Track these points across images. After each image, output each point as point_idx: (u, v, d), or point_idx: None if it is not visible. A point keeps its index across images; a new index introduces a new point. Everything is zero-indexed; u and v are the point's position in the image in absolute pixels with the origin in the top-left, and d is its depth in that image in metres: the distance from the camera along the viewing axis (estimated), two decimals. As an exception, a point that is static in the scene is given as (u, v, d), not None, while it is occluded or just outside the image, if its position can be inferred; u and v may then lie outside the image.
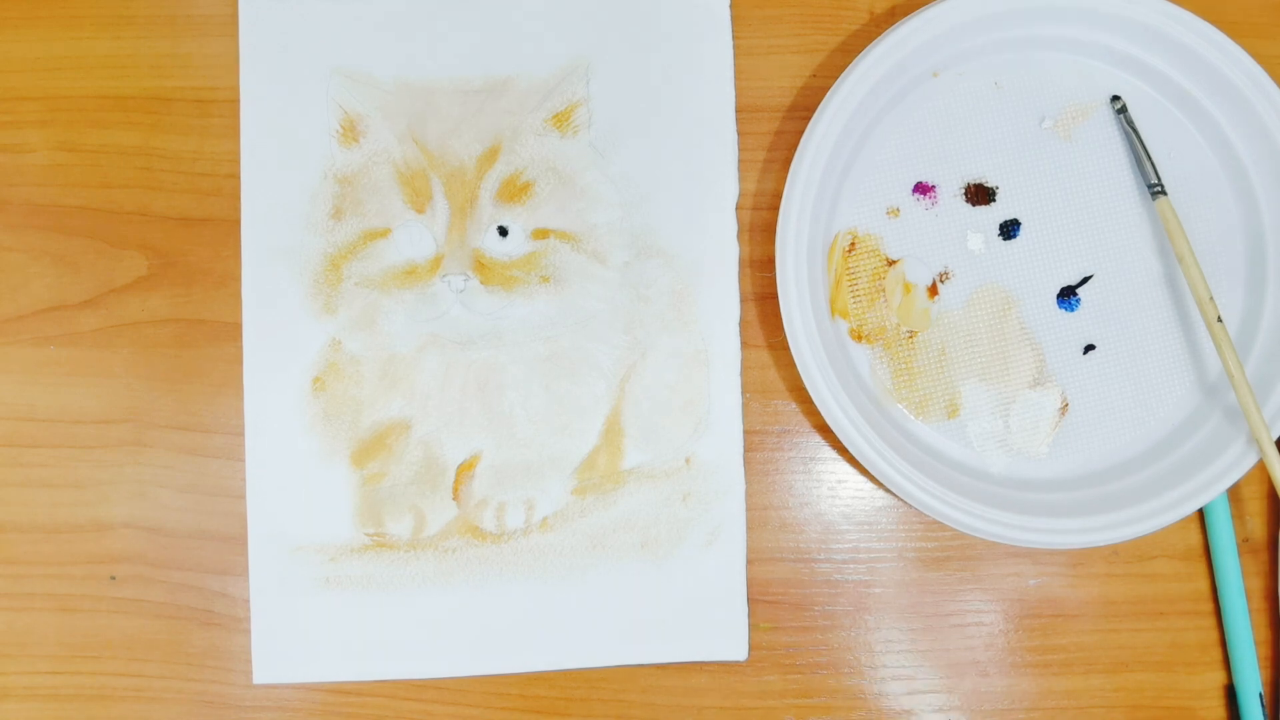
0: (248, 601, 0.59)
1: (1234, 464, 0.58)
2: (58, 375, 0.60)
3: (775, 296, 0.58)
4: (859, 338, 0.60)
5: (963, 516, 0.57)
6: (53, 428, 0.60)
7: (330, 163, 0.60)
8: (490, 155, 0.60)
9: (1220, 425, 0.60)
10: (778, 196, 0.61)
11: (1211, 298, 0.58)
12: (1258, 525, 0.62)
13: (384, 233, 0.60)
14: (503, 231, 0.60)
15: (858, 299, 0.61)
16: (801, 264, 0.58)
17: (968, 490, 0.58)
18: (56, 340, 0.60)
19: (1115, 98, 0.61)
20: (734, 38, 0.62)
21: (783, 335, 0.58)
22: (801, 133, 0.60)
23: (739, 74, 0.62)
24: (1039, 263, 0.61)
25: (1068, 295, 0.61)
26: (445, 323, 0.60)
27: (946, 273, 0.61)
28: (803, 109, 0.62)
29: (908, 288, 0.61)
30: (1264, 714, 0.59)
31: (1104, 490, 0.60)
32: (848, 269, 0.61)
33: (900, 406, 0.61)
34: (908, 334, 0.61)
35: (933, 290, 0.61)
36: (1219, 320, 0.58)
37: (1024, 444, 0.61)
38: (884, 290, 0.61)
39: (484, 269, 0.60)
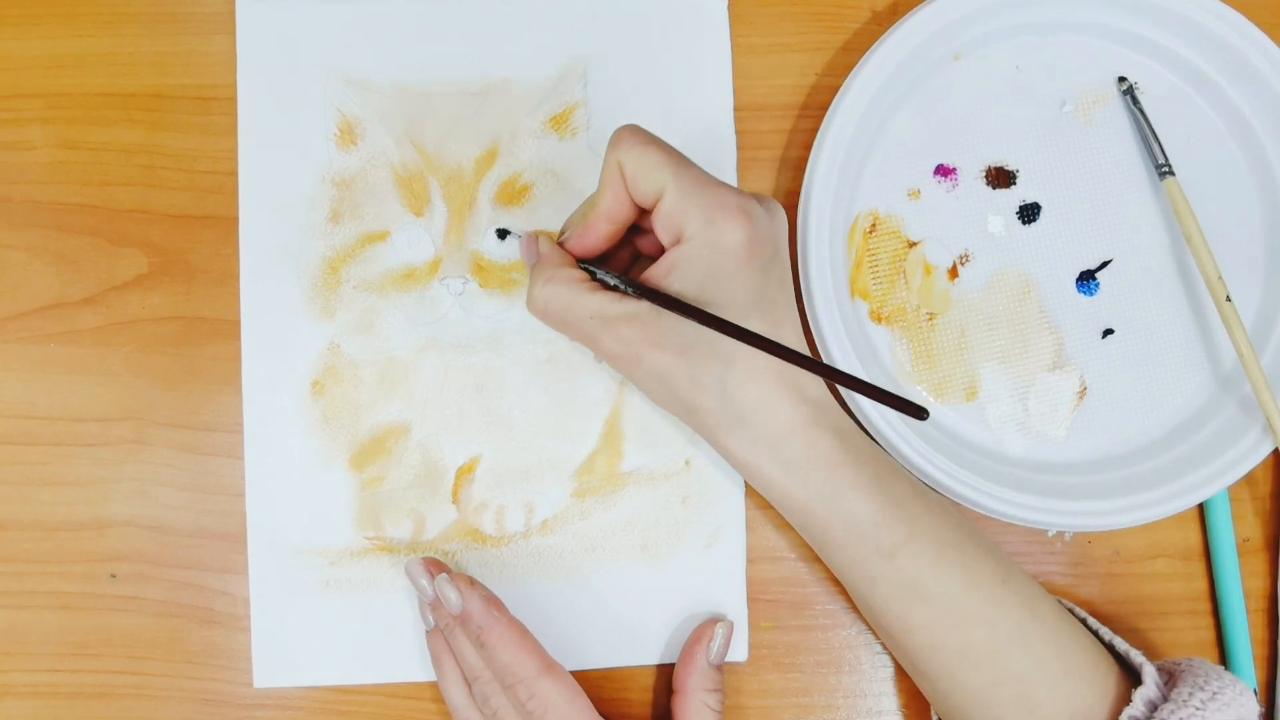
0: (248, 600, 0.59)
1: (1248, 453, 0.58)
2: (58, 373, 0.60)
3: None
4: (879, 319, 0.61)
5: (980, 498, 0.58)
6: (53, 425, 0.60)
7: (328, 166, 0.60)
8: (488, 158, 0.60)
9: (1235, 414, 0.60)
10: (785, 194, 0.61)
11: (1220, 277, 0.58)
12: (1257, 526, 0.62)
13: (382, 236, 0.60)
14: (501, 234, 0.60)
15: (878, 280, 0.61)
16: (823, 245, 0.58)
17: (985, 472, 0.58)
18: (57, 338, 0.60)
19: (1122, 78, 0.61)
20: (734, 36, 0.62)
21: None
22: (805, 131, 0.60)
23: (740, 73, 0.62)
24: (1058, 246, 0.61)
25: (1087, 279, 0.61)
26: (444, 326, 0.60)
27: (967, 255, 0.61)
28: (805, 107, 0.62)
29: (928, 269, 0.61)
30: (1259, 709, 0.59)
31: (1121, 474, 0.60)
32: (868, 250, 0.61)
33: (919, 388, 0.61)
34: (927, 316, 0.61)
35: (953, 272, 0.61)
36: (1228, 299, 0.58)
37: (1042, 427, 0.61)
38: (904, 272, 0.61)
39: (483, 271, 0.60)
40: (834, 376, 0.47)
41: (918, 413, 0.45)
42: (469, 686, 0.56)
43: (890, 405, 0.46)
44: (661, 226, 0.52)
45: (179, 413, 0.60)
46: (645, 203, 0.52)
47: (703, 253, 0.51)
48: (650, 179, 0.51)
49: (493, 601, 0.55)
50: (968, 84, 0.61)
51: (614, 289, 0.52)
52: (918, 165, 0.61)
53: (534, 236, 0.56)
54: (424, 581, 0.56)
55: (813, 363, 0.47)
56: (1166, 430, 0.61)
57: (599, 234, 0.54)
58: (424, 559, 0.57)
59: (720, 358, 0.51)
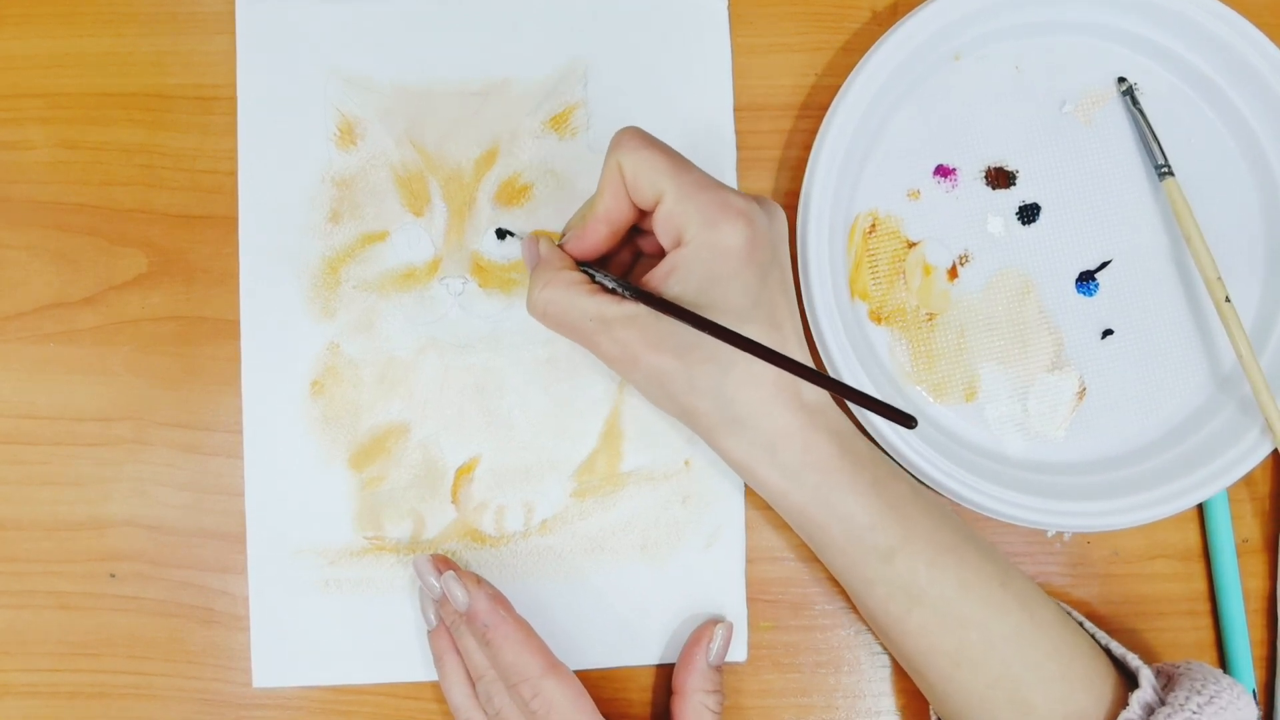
0: (248, 600, 0.59)
1: (1247, 454, 0.58)
2: (58, 372, 0.60)
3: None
4: (878, 320, 0.61)
5: (979, 498, 0.58)
6: (53, 425, 0.60)
7: (328, 166, 0.60)
8: (488, 158, 0.60)
9: (1234, 415, 0.60)
10: (785, 194, 0.61)
11: (1219, 277, 0.58)
12: (1256, 526, 0.62)
13: (382, 236, 0.60)
14: (501, 234, 0.60)
15: (878, 281, 0.61)
16: (823, 245, 0.58)
17: (984, 472, 0.58)
18: (57, 337, 0.60)
19: (1121, 79, 0.61)
20: (734, 36, 0.62)
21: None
22: (805, 131, 0.60)
23: (740, 73, 0.62)
24: (1058, 247, 0.61)
25: (1086, 280, 0.61)
26: (444, 326, 0.60)
27: (966, 255, 0.61)
28: (805, 107, 0.62)
29: (928, 270, 0.61)
30: (1258, 713, 0.59)
31: (1120, 475, 0.60)
32: (868, 250, 0.61)
33: (919, 388, 0.61)
34: (927, 316, 0.61)
35: (952, 273, 0.61)
36: (1227, 300, 0.58)
37: (1041, 427, 0.61)
38: (904, 272, 0.61)
39: (482, 271, 0.60)
40: (824, 383, 0.47)
41: (906, 421, 0.45)
42: (471, 686, 0.56)
43: (879, 413, 0.46)
44: (661, 229, 0.52)
45: (179, 412, 0.60)
46: (645, 205, 0.52)
47: (702, 255, 0.51)
48: (650, 182, 0.51)
49: (499, 600, 0.55)
50: (968, 84, 0.61)
51: (612, 291, 0.52)
52: (917, 165, 0.61)
53: (534, 238, 0.56)
54: (431, 578, 0.56)
55: (802, 368, 0.47)
56: (1165, 431, 0.61)
57: (598, 236, 0.54)
58: (432, 556, 0.57)
59: (718, 361, 0.51)
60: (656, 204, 0.52)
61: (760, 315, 0.51)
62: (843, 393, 0.47)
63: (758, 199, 0.53)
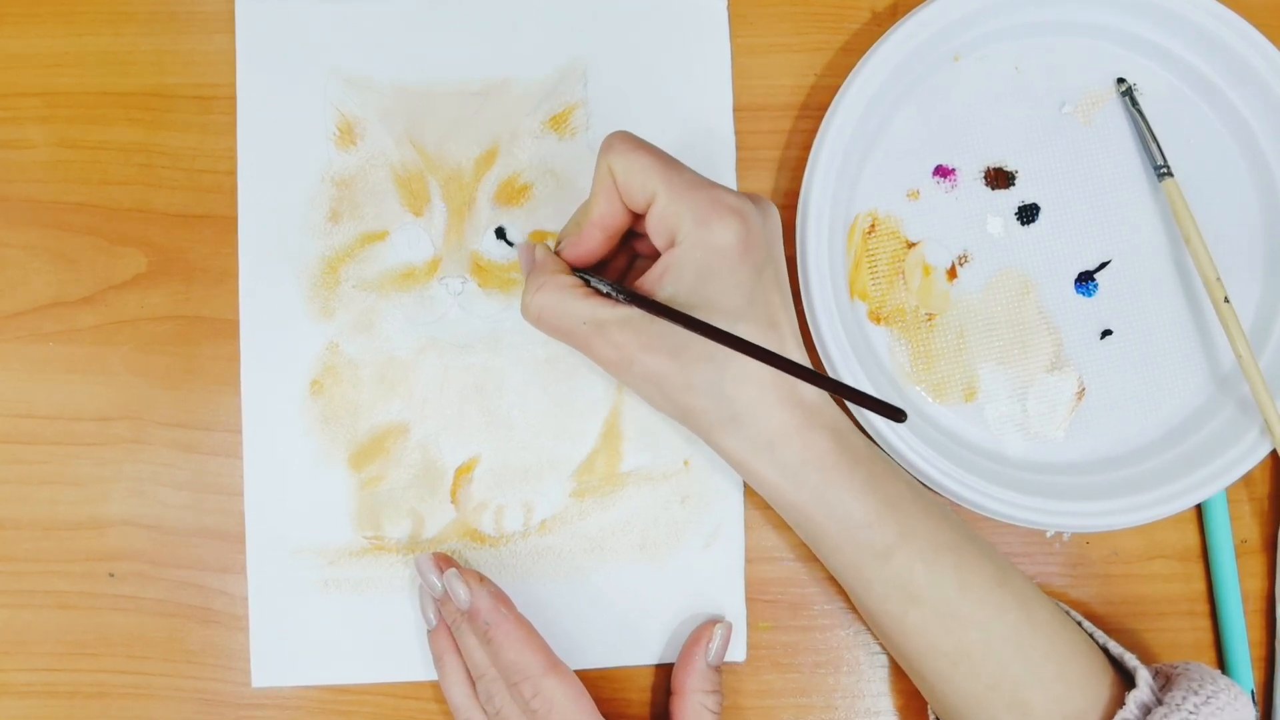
0: (247, 599, 0.59)
1: (1246, 454, 0.58)
2: (57, 372, 0.60)
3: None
4: (878, 320, 0.61)
5: (979, 498, 0.58)
6: (52, 425, 0.60)
7: (328, 166, 0.60)
8: (488, 158, 0.60)
9: (1233, 415, 0.60)
10: (784, 195, 0.61)
11: (1219, 278, 0.58)
12: (1255, 527, 0.62)
13: (381, 235, 0.60)
14: (500, 233, 0.60)
15: (877, 281, 0.61)
16: (822, 245, 0.58)
17: (984, 472, 0.58)
18: (55, 337, 0.60)
19: (1121, 79, 0.61)
20: (734, 36, 0.62)
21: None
22: (805, 132, 0.60)
23: (739, 73, 0.62)
24: (1057, 247, 0.61)
25: (1085, 280, 0.61)
26: (443, 326, 0.60)
27: (966, 256, 0.61)
28: (805, 108, 0.62)
29: (927, 270, 0.61)
30: (1256, 713, 0.59)
31: (1119, 475, 0.60)
32: (867, 250, 0.61)
33: (918, 389, 0.61)
34: (926, 316, 0.61)
35: (952, 273, 0.61)
36: (1226, 300, 0.58)
37: (1041, 427, 0.61)
38: (903, 272, 0.61)
39: (482, 271, 0.60)
40: (813, 379, 0.47)
41: (895, 415, 0.45)
42: (471, 685, 0.56)
43: (868, 408, 0.46)
44: (655, 231, 0.52)
45: (178, 412, 0.60)
46: (638, 207, 0.52)
47: (695, 255, 0.51)
48: (641, 184, 0.51)
49: (500, 598, 0.55)
50: (967, 84, 0.61)
51: (606, 295, 0.52)
52: (917, 166, 0.61)
53: (530, 244, 0.56)
54: (434, 577, 0.56)
55: (791, 365, 0.47)
56: (1165, 431, 0.61)
57: (593, 242, 0.54)
58: (434, 554, 0.57)
59: (714, 360, 0.51)
60: (649, 206, 0.52)
61: (755, 313, 0.51)
62: (830, 387, 0.47)
63: (751, 197, 0.53)
